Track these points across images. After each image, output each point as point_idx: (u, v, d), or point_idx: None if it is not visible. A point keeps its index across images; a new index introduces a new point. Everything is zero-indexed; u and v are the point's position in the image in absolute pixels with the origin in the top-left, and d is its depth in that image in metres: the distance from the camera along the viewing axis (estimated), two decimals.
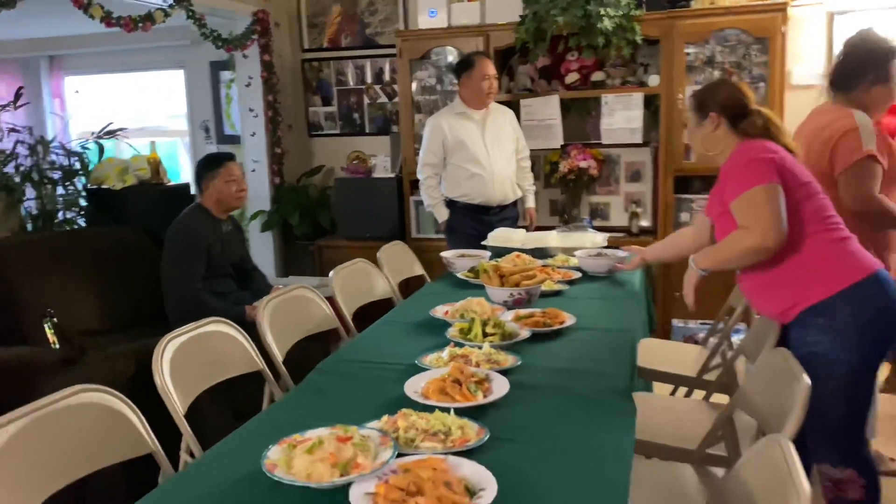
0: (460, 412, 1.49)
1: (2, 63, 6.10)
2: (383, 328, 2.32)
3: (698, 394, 2.67)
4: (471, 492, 1.19)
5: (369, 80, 5.20)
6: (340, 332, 2.70)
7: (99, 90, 6.29)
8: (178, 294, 3.04)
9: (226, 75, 5.56)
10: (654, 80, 4.18)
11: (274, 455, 1.31)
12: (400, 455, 1.30)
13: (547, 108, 4.33)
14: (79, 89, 4.93)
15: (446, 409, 1.48)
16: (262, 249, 5.06)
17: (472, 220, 3.73)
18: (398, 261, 3.36)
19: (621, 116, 4.24)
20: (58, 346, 2.49)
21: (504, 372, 1.75)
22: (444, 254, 3.09)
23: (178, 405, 1.92)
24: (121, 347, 2.37)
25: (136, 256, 3.41)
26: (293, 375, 2.26)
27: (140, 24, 3.70)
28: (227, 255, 3.20)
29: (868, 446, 2.12)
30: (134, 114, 5.99)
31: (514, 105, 4.29)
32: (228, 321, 2.25)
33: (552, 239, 3.29)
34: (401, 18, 5.03)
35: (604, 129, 4.27)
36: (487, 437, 1.40)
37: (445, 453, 1.31)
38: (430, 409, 1.50)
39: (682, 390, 2.79)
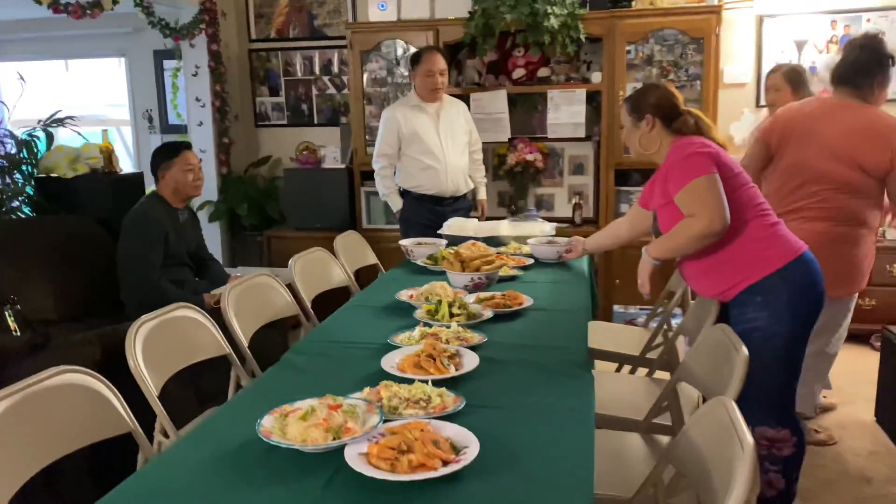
0: (436, 384, 1.60)
1: None
2: (351, 312, 2.41)
3: (641, 371, 2.86)
4: (456, 449, 1.30)
5: (318, 71, 5.24)
6: (301, 319, 2.77)
7: (32, 77, 6.09)
8: (136, 283, 3.04)
9: (170, 64, 5.49)
10: (596, 77, 4.38)
11: (267, 423, 1.40)
12: (386, 421, 1.40)
13: (495, 103, 4.47)
14: (22, 76, 4.78)
15: (424, 382, 1.59)
16: (209, 240, 4.97)
17: (425, 211, 3.82)
18: (353, 250, 3.44)
19: (566, 111, 4.42)
20: (19, 333, 2.48)
21: (472, 348, 1.87)
22: (402, 242, 3.19)
23: (151, 386, 1.97)
24: (86, 334, 2.38)
25: (89, 246, 3.38)
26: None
27: (88, 11, 3.65)
28: (183, 243, 3.21)
29: (795, 408, 2.33)
30: (69, 102, 5.84)
31: (464, 99, 4.41)
32: (195, 307, 2.30)
33: (504, 228, 3.43)
34: (349, 10, 5.08)
35: (549, 123, 4.44)
36: (464, 404, 1.52)
37: (427, 418, 1.42)
38: (408, 381, 1.61)
39: (626, 368, 2.98)
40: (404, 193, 3.92)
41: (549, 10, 4.11)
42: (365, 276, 3.32)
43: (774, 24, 4.45)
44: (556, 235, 3.35)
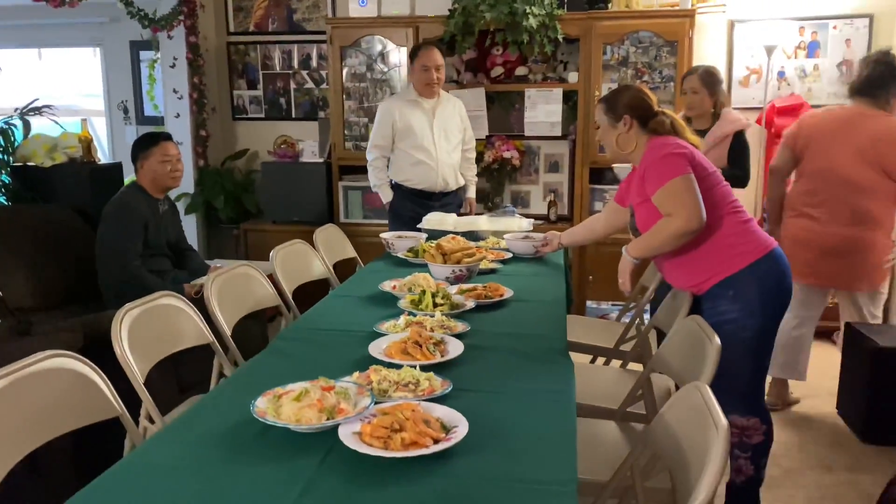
0: (423, 369, 1.65)
1: None
2: (335, 301, 2.45)
3: (615, 363, 2.94)
4: (446, 428, 1.36)
5: (296, 65, 5.25)
6: (282, 309, 2.80)
7: (4, 66, 6.00)
8: (115, 272, 3.04)
9: (146, 55, 5.45)
10: (573, 77, 4.46)
11: (261, 404, 1.44)
12: (377, 403, 1.45)
13: (473, 100, 4.53)
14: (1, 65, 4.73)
15: (412, 367, 1.64)
16: (186, 232, 5.01)
17: (414, 205, 3.85)
18: (332, 243, 3.47)
19: (542, 110, 4.49)
20: (1, 319, 2.47)
21: (456, 336, 1.93)
22: (383, 235, 3.23)
23: (137, 373, 1.99)
24: (69, 321, 2.39)
25: (67, 235, 3.36)
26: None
27: (67, 0, 3.63)
28: (163, 234, 3.22)
29: (764, 397, 2.45)
30: (42, 91, 5.77)
31: None
32: (180, 296, 2.32)
33: (482, 223, 3.50)
34: (329, 5, 5.10)
35: (526, 121, 4.51)
36: (451, 387, 1.58)
37: (417, 400, 1.47)
38: (396, 367, 1.66)
39: (600, 360, 3.05)
40: (395, 186, 3.95)
41: (528, 10, 4.18)
42: (343, 269, 3.35)
43: (745, 28, 4.58)
44: (532, 231, 3.43)
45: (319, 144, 4.93)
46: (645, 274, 3.20)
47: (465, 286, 2.44)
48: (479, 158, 4.72)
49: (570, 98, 4.54)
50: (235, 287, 2.61)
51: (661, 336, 2.69)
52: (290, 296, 2.86)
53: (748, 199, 4.42)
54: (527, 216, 4.23)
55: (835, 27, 4.50)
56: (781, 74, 4.61)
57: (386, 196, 3.96)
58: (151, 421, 2.02)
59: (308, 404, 1.38)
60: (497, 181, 4.80)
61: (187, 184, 4.95)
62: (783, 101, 4.51)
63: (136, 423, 2.00)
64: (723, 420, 1.38)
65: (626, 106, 2.35)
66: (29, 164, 3.64)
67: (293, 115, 5.31)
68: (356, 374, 1.62)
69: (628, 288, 2.44)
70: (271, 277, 2.83)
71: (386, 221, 4.71)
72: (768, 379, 3.24)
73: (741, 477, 2.37)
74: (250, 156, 5.37)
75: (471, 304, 2.25)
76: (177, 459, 1.32)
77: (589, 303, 4.55)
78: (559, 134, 4.54)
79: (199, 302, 2.41)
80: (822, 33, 4.52)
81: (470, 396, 1.56)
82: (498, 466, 1.28)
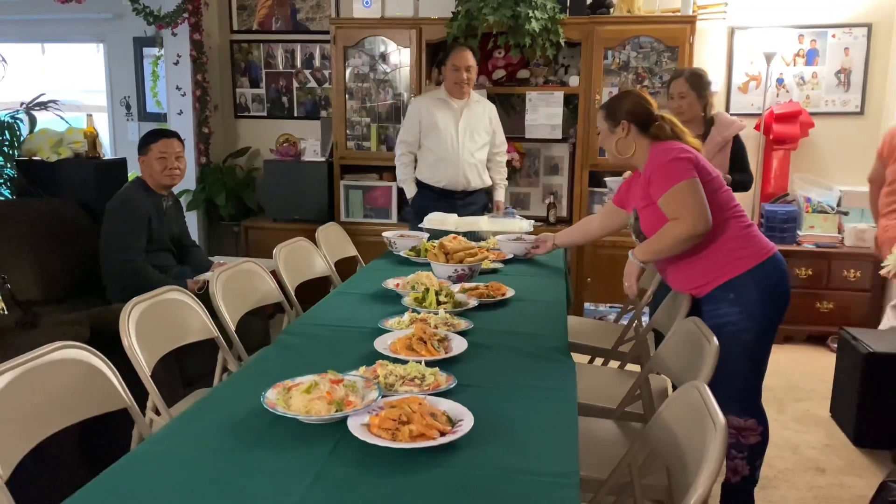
0: (428, 365, 1.68)
1: None
2: (339, 298, 2.48)
3: (612, 364, 2.98)
4: (452, 421, 1.39)
5: (299, 64, 5.28)
6: (284, 306, 2.83)
7: (7, 60, 6.01)
8: (119, 267, 3.06)
9: (150, 52, 5.48)
10: (574, 81, 4.50)
11: (271, 396, 1.47)
12: (383, 396, 1.48)
13: None
14: (4, 58, 4.74)
15: (417, 363, 1.67)
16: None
17: (437, 203, 3.88)
18: (334, 242, 3.51)
19: (543, 113, 4.53)
20: (6, 311, 2.50)
21: (460, 334, 1.96)
22: (385, 234, 3.26)
23: (144, 365, 2.02)
24: (76, 314, 2.41)
25: (72, 229, 3.39)
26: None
27: None
28: (166, 229, 3.24)
29: (760, 399, 2.46)
30: (44, 86, 5.79)
31: None
32: (186, 290, 2.35)
33: (483, 223, 3.53)
34: (332, 5, 5.13)
35: (527, 124, 4.55)
36: (455, 383, 1.61)
37: (422, 395, 1.51)
38: (401, 362, 1.69)
39: (598, 361, 3.09)
40: (419, 184, 4.01)
41: (531, 14, 4.21)
42: (344, 267, 3.39)
43: (745, 36, 4.63)
44: (532, 233, 3.47)
45: (321, 143, 4.97)
46: (644, 275, 3.23)
47: (467, 285, 2.47)
48: None
49: (570, 101, 4.58)
50: (240, 283, 2.64)
51: (658, 338, 2.73)
52: (292, 292, 2.89)
53: (745, 202, 4.47)
54: (525, 218, 4.27)
55: (833, 35, 4.56)
56: (780, 81, 4.66)
57: (410, 191, 4.03)
58: (157, 413, 2.06)
59: (317, 396, 1.42)
60: None
61: (189, 181, 4.99)
62: (781, 107, 4.56)
63: (143, 414, 2.04)
64: (721, 418, 1.41)
65: (625, 111, 2.38)
66: (34, 158, 3.67)
67: (295, 114, 5.34)
68: (362, 368, 1.65)
69: (634, 291, 2.45)
70: (274, 274, 2.86)
71: (386, 221, 4.78)
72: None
73: (737, 477, 2.40)
74: (252, 154, 5.40)
75: (473, 302, 2.28)
76: (190, 448, 1.35)
77: (587, 305, 4.59)
78: (559, 137, 4.58)
79: (203, 297, 2.44)
80: (821, 41, 4.58)
81: (474, 392, 1.60)
82: (502, 459, 1.31)
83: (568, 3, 4.39)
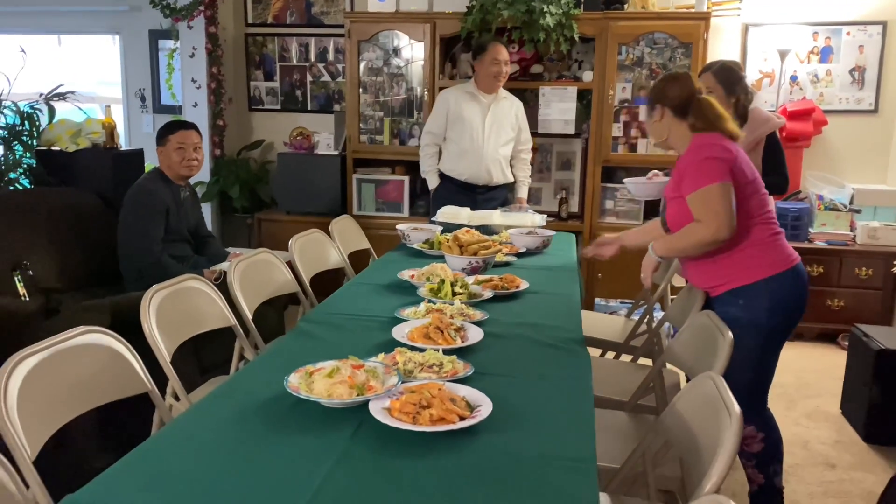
0: (444, 353, 1.71)
1: None
2: (355, 288, 2.51)
3: (624, 358, 3.00)
4: (470, 407, 1.42)
5: (313, 58, 5.31)
6: (300, 296, 2.87)
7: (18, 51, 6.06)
8: (137, 257, 3.10)
9: (165, 44, 5.52)
10: (587, 76, 4.51)
11: (294, 380, 1.50)
12: (403, 382, 1.51)
13: None
14: (24, 49, 4.77)
15: (434, 351, 1.70)
16: None
17: (459, 196, 3.91)
18: (348, 234, 3.54)
19: (556, 108, 4.54)
20: (27, 298, 2.54)
21: (475, 324, 1.99)
22: (399, 226, 3.28)
23: (164, 352, 2.06)
24: (96, 301, 2.45)
25: (90, 219, 3.43)
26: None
27: None
28: (184, 220, 3.28)
29: (766, 407, 2.41)
30: (60, 77, 5.83)
31: None
32: (204, 279, 2.38)
33: (496, 217, 3.55)
34: (347, 0, 5.16)
35: (540, 119, 4.56)
36: (473, 370, 1.64)
37: (441, 381, 1.53)
38: (419, 350, 1.72)
39: (609, 354, 3.12)
40: (442, 176, 4.04)
41: (545, 9, 4.23)
42: (356, 260, 3.42)
43: (759, 32, 4.63)
44: (544, 227, 3.49)
45: (334, 137, 5.00)
46: (658, 272, 3.25)
47: (481, 277, 2.50)
48: None
49: (584, 97, 4.60)
50: (257, 273, 2.67)
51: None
52: (307, 283, 2.93)
53: None
54: (537, 213, 4.29)
55: (848, 33, 4.55)
56: (794, 79, 4.65)
57: (432, 183, 4.06)
58: (177, 398, 2.09)
59: (339, 381, 1.44)
60: None
61: (203, 173, 5.01)
62: (795, 105, 4.56)
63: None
64: (736, 408, 1.43)
65: (661, 95, 2.32)
66: (53, 148, 3.71)
67: (309, 108, 5.37)
68: (381, 355, 1.68)
69: (649, 284, 2.45)
70: (288, 265, 2.89)
71: (398, 214, 4.80)
72: None
73: (754, 486, 2.38)
74: (266, 146, 5.43)
75: (488, 293, 2.31)
76: (215, 431, 1.38)
77: (598, 300, 4.60)
78: (572, 132, 4.59)
79: (220, 286, 2.48)
80: (835, 39, 4.57)
81: (491, 380, 1.62)
82: (521, 444, 1.34)
83: None
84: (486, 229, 3.41)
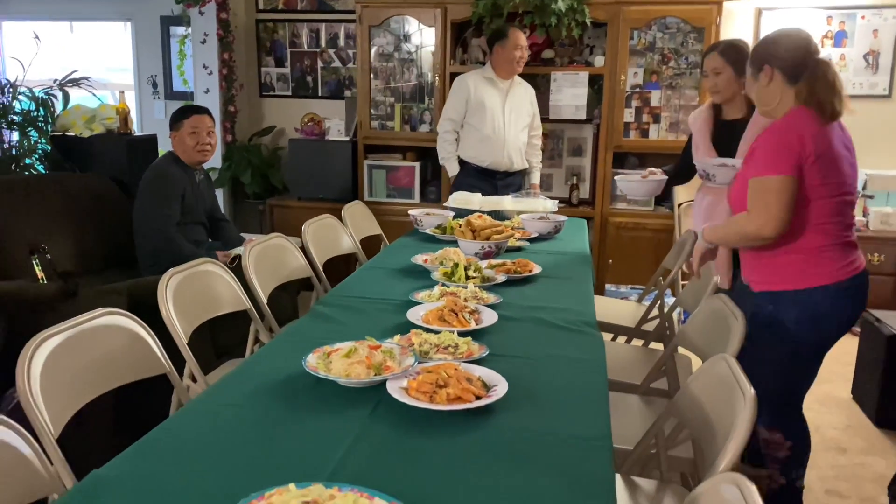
0: (459, 335, 1.72)
1: None
2: (369, 272, 2.53)
3: (635, 342, 3.01)
4: (486, 386, 1.44)
5: (324, 44, 5.31)
6: (313, 281, 2.89)
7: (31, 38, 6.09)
8: (152, 239, 3.12)
9: (176, 31, 5.53)
10: (599, 61, 4.49)
11: (312, 360, 1.52)
12: (419, 363, 1.53)
13: None
14: (38, 35, 4.79)
15: (450, 332, 1.71)
16: None
17: (479, 182, 3.91)
18: (360, 220, 3.56)
19: (568, 93, 4.53)
20: (46, 281, 2.57)
21: (489, 307, 2.00)
22: (412, 212, 3.30)
23: (181, 334, 2.08)
24: (114, 284, 2.48)
25: (105, 203, 3.47)
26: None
27: None
28: (199, 203, 3.30)
29: (799, 416, 2.31)
30: (72, 64, 5.86)
31: None
32: (220, 263, 2.41)
33: (507, 203, 3.56)
34: None
35: (551, 104, 4.55)
36: (488, 352, 1.65)
37: (457, 362, 1.55)
38: (434, 332, 1.73)
39: (620, 339, 3.13)
40: (461, 163, 4.03)
41: None
42: (368, 245, 3.44)
43: (772, 16, 4.59)
44: (556, 213, 3.49)
45: (345, 123, 5.01)
46: (667, 257, 3.26)
47: (494, 261, 2.51)
48: None
49: (595, 82, 4.58)
50: (271, 257, 2.70)
51: None
52: (321, 268, 2.95)
53: None
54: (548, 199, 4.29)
55: (863, 17, 4.51)
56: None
57: (452, 170, 4.04)
58: (194, 380, 2.12)
59: (357, 361, 1.47)
60: None
61: (215, 159, 5.03)
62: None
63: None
64: (749, 389, 1.44)
65: (769, 53, 2.07)
66: (68, 133, 3.74)
67: (319, 94, 5.38)
68: (397, 337, 1.70)
69: (696, 271, 2.34)
70: (301, 250, 2.92)
71: (409, 201, 4.82)
72: None
73: (774, 485, 2.33)
74: (277, 133, 5.45)
75: (501, 277, 2.32)
76: (236, 409, 1.41)
77: (608, 286, 4.61)
78: (584, 117, 4.58)
79: (235, 270, 2.50)
80: (849, 23, 4.53)
81: (506, 361, 1.64)
82: (537, 422, 1.36)
83: None
84: (497, 215, 3.43)
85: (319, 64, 5.34)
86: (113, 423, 2.52)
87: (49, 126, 3.85)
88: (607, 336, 3.12)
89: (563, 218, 3.32)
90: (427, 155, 4.83)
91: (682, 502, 1.18)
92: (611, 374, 2.43)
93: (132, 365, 1.84)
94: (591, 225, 4.46)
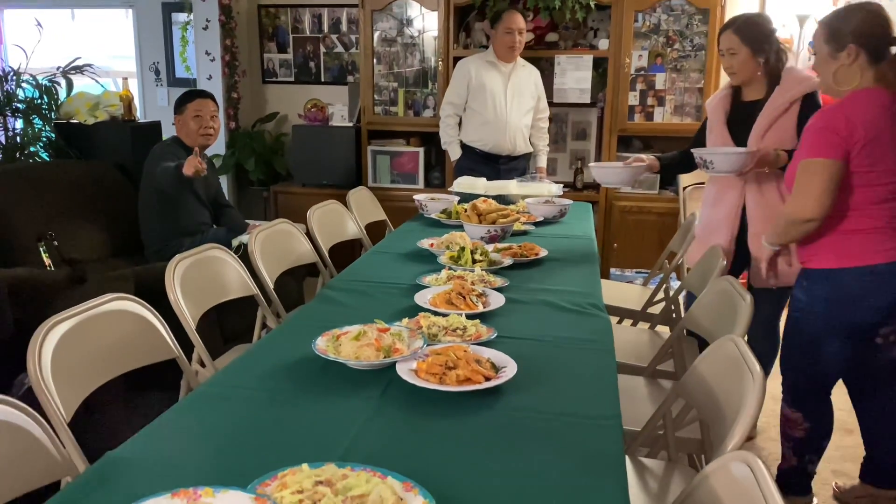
0: (467, 318, 1.73)
1: None
2: (375, 257, 2.54)
3: (641, 325, 3.01)
4: (495, 368, 1.44)
5: (326, 29, 5.28)
6: (319, 266, 2.89)
7: (33, 25, 6.07)
8: (154, 194, 3.11)
9: (178, 17, 5.50)
10: (603, 44, 4.47)
11: (321, 343, 1.53)
12: (428, 345, 1.53)
13: None
14: (40, 23, 4.78)
15: (458, 315, 1.72)
16: None
17: (482, 166, 3.91)
18: (364, 205, 3.56)
19: (572, 77, 4.51)
20: (53, 268, 2.58)
21: (496, 290, 2.00)
22: (417, 196, 3.30)
23: (189, 319, 2.09)
24: (121, 271, 2.49)
25: (109, 190, 3.47)
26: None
27: None
28: (202, 186, 3.30)
29: (825, 401, 2.30)
30: (74, 52, 5.84)
31: None
32: (226, 249, 2.41)
33: (512, 187, 3.56)
34: None
35: (555, 88, 4.53)
36: (496, 334, 1.66)
37: (465, 344, 1.56)
38: (442, 315, 1.74)
39: (626, 322, 3.13)
40: (464, 147, 4.02)
41: None
42: (372, 231, 3.44)
43: None
44: (560, 196, 3.49)
45: (348, 108, 4.99)
46: (673, 240, 3.26)
47: (500, 245, 2.51)
48: None
49: (599, 65, 4.55)
50: (277, 242, 2.70)
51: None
52: (326, 253, 2.95)
53: None
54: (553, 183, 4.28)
55: None
56: (811, 44, 4.58)
57: (454, 154, 4.04)
58: (202, 365, 2.13)
59: (366, 343, 1.47)
60: None
61: (219, 145, 5.03)
62: (814, 72, 4.49)
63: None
64: (758, 368, 1.44)
65: (855, 32, 1.96)
66: (72, 121, 3.74)
67: (322, 79, 5.36)
68: (405, 320, 1.70)
69: (764, 275, 2.29)
70: (306, 236, 2.92)
71: (413, 186, 4.81)
72: None
73: (786, 464, 2.36)
74: (280, 119, 5.43)
75: (508, 261, 2.33)
76: (247, 391, 1.41)
77: (613, 270, 4.60)
78: (588, 101, 4.56)
79: (242, 256, 2.50)
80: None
81: (514, 343, 1.65)
82: (546, 403, 1.36)
83: None
84: (503, 199, 3.42)
85: (322, 49, 5.32)
86: (124, 408, 2.54)
87: (53, 114, 3.85)
88: (613, 319, 3.11)
89: (568, 202, 3.32)
90: (431, 140, 4.82)
91: (690, 482, 1.19)
92: (617, 356, 2.44)
93: (141, 350, 1.85)
94: (595, 209, 4.45)
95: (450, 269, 2.18)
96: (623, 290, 3.41)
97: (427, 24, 4.66)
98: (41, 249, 2.59)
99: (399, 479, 1.03)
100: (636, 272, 4.55)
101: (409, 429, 1.26)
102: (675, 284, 3.01)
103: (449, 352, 1.44)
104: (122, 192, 3.49)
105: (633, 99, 4.47)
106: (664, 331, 2.84)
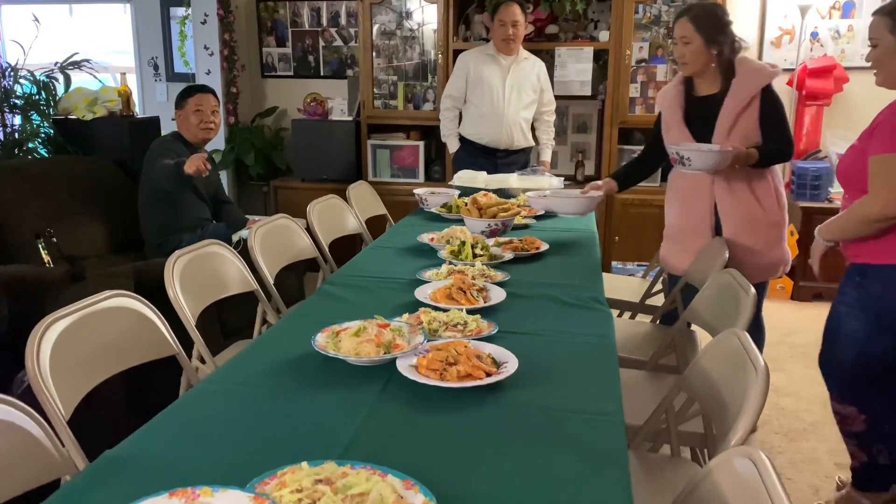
0: (468, 312, 1.72)
1: None
2: (376, 251, 2.53)
3: (641, 318, 3.00)
4: (496, 364, 1.43)
5: (325, 22, 5.26)
6: (319, 261, 2.88)
7: (31, 20, 6.04)
8: (154, 188, 3.10)
9: (176, 12, 5.48)
10: (603, 36, 4.45)
11: (321, 340, 1.52)
12: (429, 341, 1.52)
13: None
14: (37, 18, 4.76)
15: (458, 310, 1.71)
16: None
17: (479, 159, 3.90)
18: (364, 200, 3.54)
19: (572, 69, 4.49)
20: (52, 265, 2.57)
21: (497, 285, 1.99)
22: (417, 190, 3.28)
23: (189, 316, 2.08)
24: (120, 267, 2.48)
25: (108, 186, 3.46)
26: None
27: None
28: (202, 181, 3.28)
29: (874, 385, 2.18)
30: (72, 47, 5.81)
31: None
32: (226, 245, 2.40)
33: (513, 181, 3.54)
34: None
35: (556, 80, 4.50)
36: (497, 329, 1.65)
37: (466, 339, 1.55)
38: (442, 310, 1.73)
39: (625, 315, 3.12)
40: (462, 140, 4.01)
41: None
42: (372, 226, 3.42)
43: None
44: (562, 189, 3.47)
45: (348, 102, 4.97)
46: None
47: (501, 239, 2.50)
48: None
49: (600, 57, 4.53)
50: (276, 238, 2.69)
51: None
52: (326, 248, 2.94)
53: None
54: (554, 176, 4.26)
55: None
56: (815, 35, 4.56)
57: (452, 147, 4.04)
58: (202, 361, 2.12)
59: (366, 339, 1.46)
60: None
61: (218, 140, 5.01)
62: (815, 62, 4.47)
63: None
64: (761, 362, 1.43)
65: None
66: (70, 116, 3.73)
67: (321, 73, 5.34)
68: (406, 315, 1.69)
69: (817, 269, 2.23)
70: (306, 231, 2.90)
71: (413, 180, 4.79)
72: None
73: (856, 462, 2.29)
74: (279, 113, 5.42)
75: (508, 255, 2.31)
76: (247, 387, 1.41)
77: (614, 263, 4.60)
78: (589, 93, 4.54)
79: (242, 251, 2.49)
80: None
81: (515, 338, 1.63)
82: (547, 398, 1.35)
83: None
84: (503, 192, 3.41)
85: (321, 43, 5.30)
86: (125, 404, 2.53)
87: (51, 109, 3.84)
88: (613, 312, 3.11)
89: (573, 191, 3.29)
90: (431, 134, 4.80)
91: (693, 476, 1.18)
92: (618, 350, 2.44)
93: (141, 346, 1.84)
94: None
95: (450, 263, 2.17)
96: (622, 283, 3.40)
97: (426, 17, 4.64)
98: (40, 246, 2.58)
99: (399, 477, 1.02)
100: (637, 265, 4.54)
101: (410, 425, 1.25)
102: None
103: (450, 347, 1.43)
104: (121, 188, 3.48)
105: (633, 91, 4.45)
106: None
